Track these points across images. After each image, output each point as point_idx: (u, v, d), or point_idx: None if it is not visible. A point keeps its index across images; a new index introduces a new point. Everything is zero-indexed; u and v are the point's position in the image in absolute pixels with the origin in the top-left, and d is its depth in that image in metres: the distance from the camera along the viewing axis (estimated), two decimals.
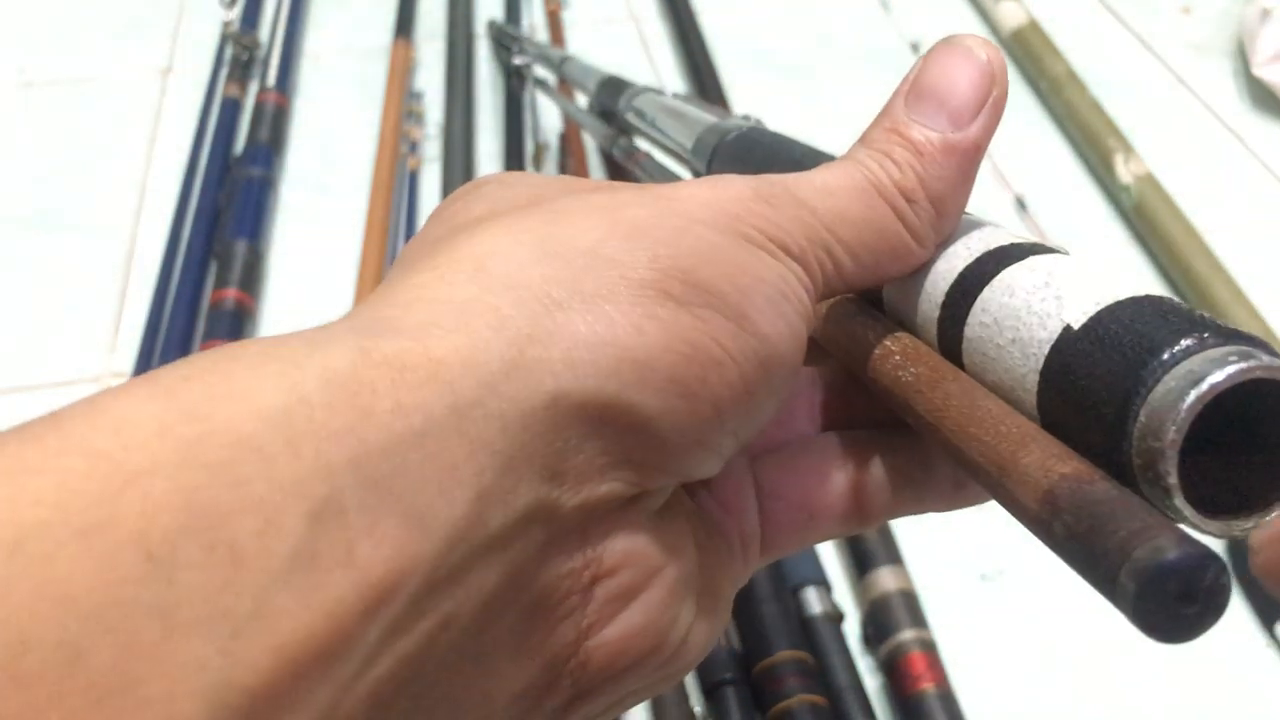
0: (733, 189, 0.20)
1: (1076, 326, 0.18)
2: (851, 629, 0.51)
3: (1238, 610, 0.52)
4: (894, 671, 0.48)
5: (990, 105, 0.21)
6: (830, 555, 0.54)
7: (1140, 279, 0.19)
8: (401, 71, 0.84)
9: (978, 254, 0.21)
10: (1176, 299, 0.19)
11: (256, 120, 0.79)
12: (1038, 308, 0.19)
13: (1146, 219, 0.72)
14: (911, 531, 0.54)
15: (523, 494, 0.16)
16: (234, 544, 0.13)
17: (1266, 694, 0.50)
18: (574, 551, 0.18)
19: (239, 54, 0.84)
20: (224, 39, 0.86)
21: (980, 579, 0.53)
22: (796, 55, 0.90)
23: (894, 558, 0.52)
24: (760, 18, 0.94)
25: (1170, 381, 0.16)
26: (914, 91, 0.21)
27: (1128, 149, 0.76)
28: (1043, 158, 0.80)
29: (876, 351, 0.22)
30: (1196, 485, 0.16)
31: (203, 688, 0.12)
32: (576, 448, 0.17)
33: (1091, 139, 0.78)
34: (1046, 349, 0.19)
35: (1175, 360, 0.17)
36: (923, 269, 0.22)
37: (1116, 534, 0.15)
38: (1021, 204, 0.75)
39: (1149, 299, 0.18)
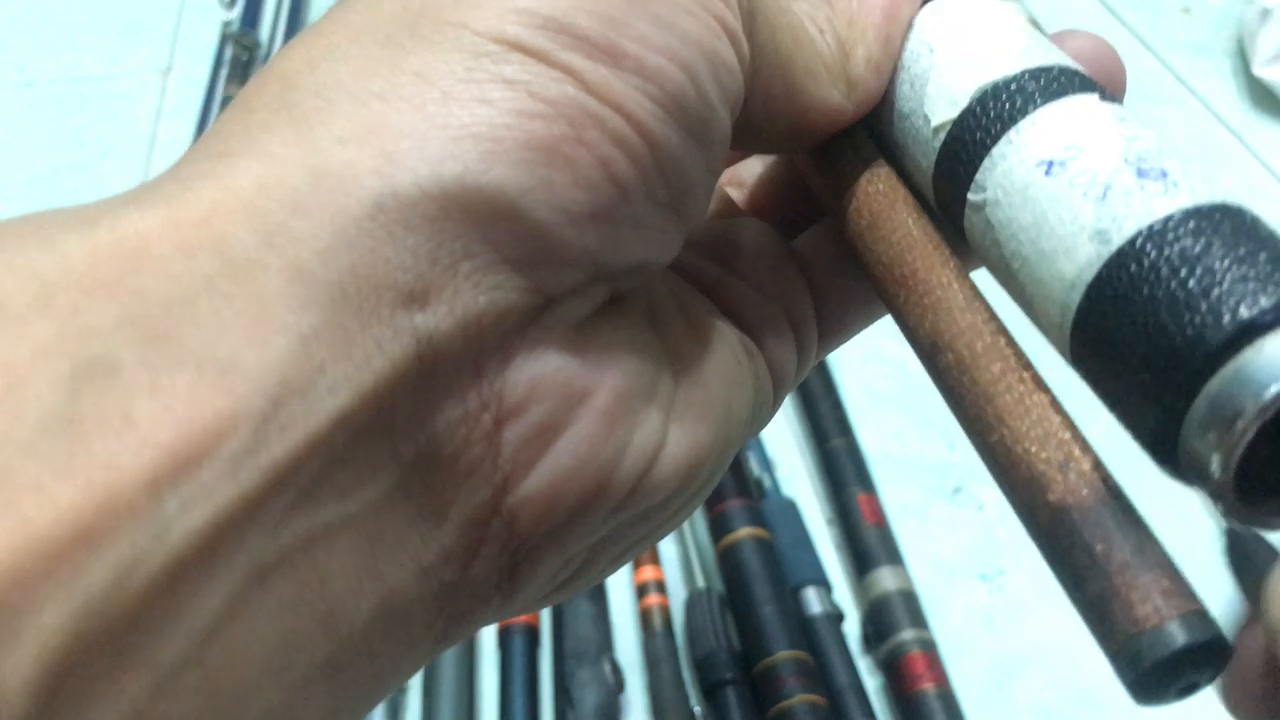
0: None
1: (1118, 248, 0.13)
2: (851, 629, 0.51)
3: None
4: (894, 671, 0.48)
5: None
6: (830, 555, 0.54)
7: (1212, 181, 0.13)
8: None
9: (982, 86, 0.17)
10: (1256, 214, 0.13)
11: None
12: (1070, 206, 0.14)
13: None
14: (911, 531, 0.54)
15: (373, 327, 0.14)
16: None
17: None
18: (465, 391, 0.15)
19: (239, 54, 0.84)
20: (224, 39, 0.86)
21: (980, 579, 0.53)
22: None
23: (894, 558, 0.52)
24: None
25: (1251, 361, 0.11)
26: None
27: None
28: None
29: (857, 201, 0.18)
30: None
31: None
32: (430, 256, 0.14)
33: None
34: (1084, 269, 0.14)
35: (1264, 324, 0.11)
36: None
37: (1126, 610, 0.12)
38: None
39: (1227, 212, 0.13)
